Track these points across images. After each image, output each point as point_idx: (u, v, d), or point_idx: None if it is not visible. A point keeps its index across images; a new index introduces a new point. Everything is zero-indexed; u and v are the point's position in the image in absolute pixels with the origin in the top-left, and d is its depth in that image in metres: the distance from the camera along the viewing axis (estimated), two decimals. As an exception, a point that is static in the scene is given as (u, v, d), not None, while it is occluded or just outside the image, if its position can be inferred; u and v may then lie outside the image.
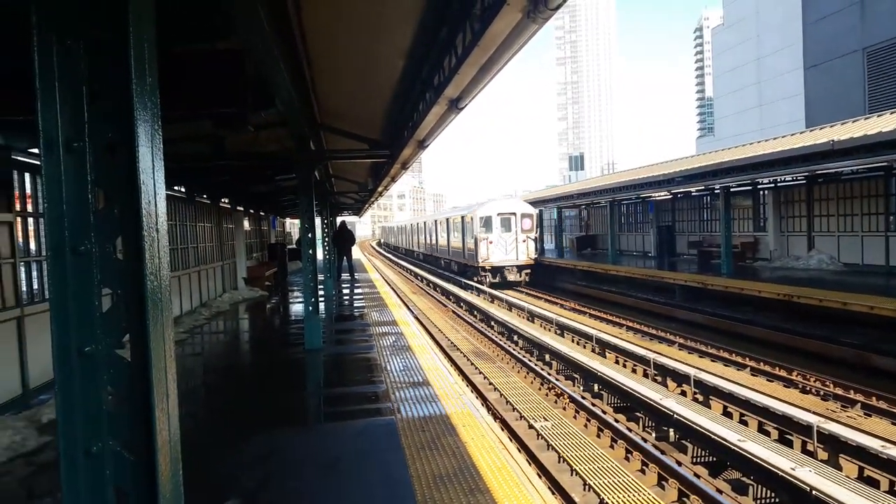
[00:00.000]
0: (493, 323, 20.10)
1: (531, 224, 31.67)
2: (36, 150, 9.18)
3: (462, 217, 34.28)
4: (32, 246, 9.28)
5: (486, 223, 31.10)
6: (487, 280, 30.65)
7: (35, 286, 9.13)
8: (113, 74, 1.75)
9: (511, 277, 30.52)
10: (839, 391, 11.12)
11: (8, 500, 5.49)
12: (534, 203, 38.85)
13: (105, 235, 1.82)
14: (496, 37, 4.47)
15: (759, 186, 24.76)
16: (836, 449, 8.29)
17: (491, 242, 30.68)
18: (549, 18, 4.04)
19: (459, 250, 35.25)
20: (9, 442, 6.69)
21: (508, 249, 30.66)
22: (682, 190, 26.34)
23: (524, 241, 30.90)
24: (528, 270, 31.06)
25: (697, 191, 26.88)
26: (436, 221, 44.31)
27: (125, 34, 1.73)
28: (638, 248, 35.54)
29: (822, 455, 8.42)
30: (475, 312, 22.50)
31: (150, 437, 1.84)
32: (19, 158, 8.77)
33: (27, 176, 8.99)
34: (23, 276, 8.77)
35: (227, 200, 22.17)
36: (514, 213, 31.38)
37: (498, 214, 31.28)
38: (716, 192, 24.41)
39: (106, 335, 1.84)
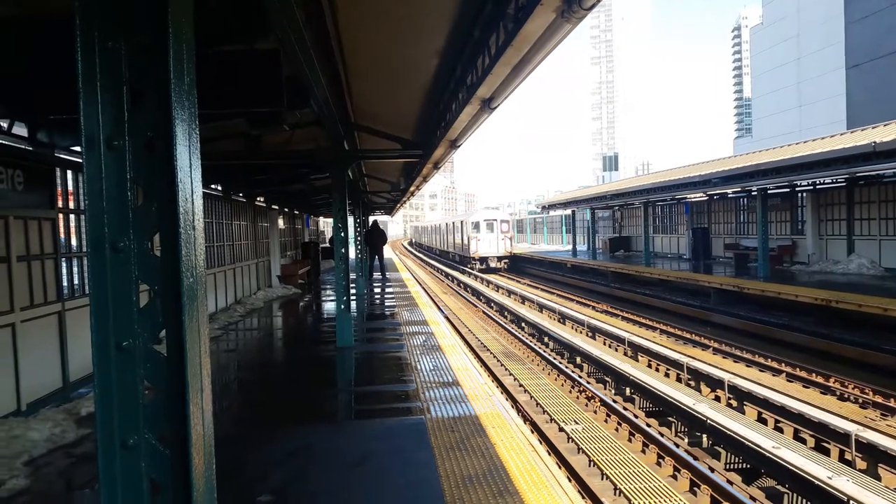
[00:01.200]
0: (523, 324, 20.04)
1: (508, 227, 43.13)
2: (78, 148, 9.40)
3: (462, 222, 46.65)
4: (74, 242, 9.51)
5: (476, 227, 42.36)
6: (477, 267, 41.66)
7: (76, 281, 9.36)
8: (153, 75, 1.78)
9: (493, 265, 41.85)
10: (879, 399, 10.84)
11: (49, 490, 5.63)
12: (566, 203, 40.04)
13: (143, 232, 1.86)
14: (530, 37, 4.44)
15: (797, 189, 24.28)
16: (875, 458, 8.09)
17: (479, 240, 42.00)
18: (584, 18, 4.00)
19: (460, 246, 47.09)
20: (49, 434, 6.86)
21: (491, 245, 41.99)
22: (718, 191, 25.94)
23: (503, 239, 42.19)
24: (506, 260, 42.38)
25: (734, 192, 26.45)
26: (447, 224, 56.33)
27: (165, 35, 1.76)
28: (672, 250, 35.11)
29: (861, 464, 8.22)
30: (506, 313, 22.48)
31: (185, 432, 1.87)
32: (62, 156, 8.99)
33: (69, 173, 9.20)
34: (64, 271, 8.99)
35: (262, 199, 22.45)
36: (496, 220, 42.81)
37: (484, 220, 42.57)
38: (753, 194, 23.98)
39: (143, 330, 1.87)
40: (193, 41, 1.89)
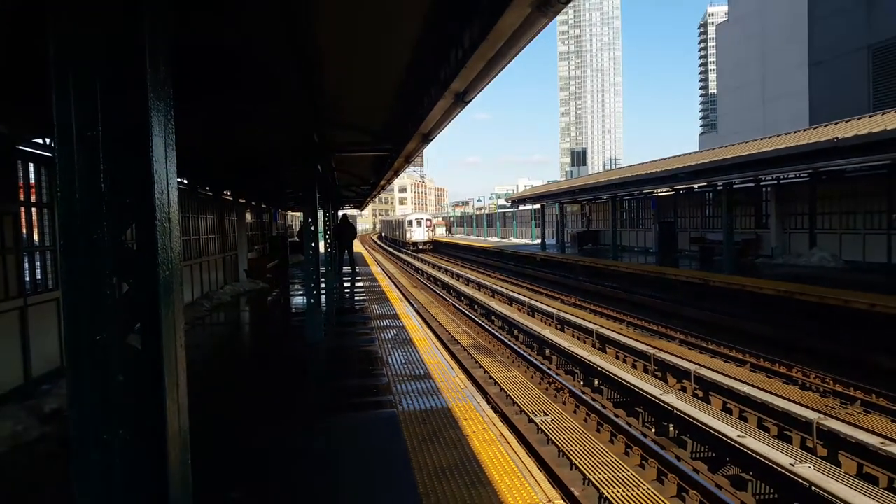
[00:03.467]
0: (493, 317, 20.14)
1: (431, 223, 66.40)
2: (40, 140, 9.18)
3: (403, 219, 69.81)
4: (36, 236, 9.29)
5: (410, 223, 64.56)
6: (411, 249, 62.14)
7: (38, 276, 9.15)
8: (128, 64, 1.75)
9: (420, 247, 62.49)
10: (839, 388, 11.13)
11: (12, 488, 5.52)
12: (536, 198, 40.57)
13: (118, 225, 1.83)
14: (505, 30, 4.44)
15: (762, 183, 24.72)
16: (835, 445, 8.32)
17: (412, 232, 63.67)
18: (559, 12, 4.03)
19: (402, 235, 68.20)
20: (10, 431, 6.73)
21: (420, 235, 63.53)
22: (684, 186, 26.31)
23: (427, 231, 64.12)
24: (430, 244, 63.66)
25: (700, 187, 26.84)
26: (397, 221, 79.38)
27: (140, 25, 1.74)
28: (640, 243, 35.54)
29: (822, 451, 8.45)
30: (476, 307, 22.58)
31: (161, 427, 1.85)
32: (23, 148, 8.77)
33: (31, 166, 8.99)
34: (27, 266, 8.78)
35: (229, 192, 22.18)
36: (423, 218, 65.55)
37: (415, 219, 64.93)
38: (718, 188, 24.37)
39: (117, 324, 1.84)
40: (169, 30, 1.87)
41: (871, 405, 10.32)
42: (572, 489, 7.55)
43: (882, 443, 7.78)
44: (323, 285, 12.99)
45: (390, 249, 70.28)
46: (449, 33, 5.72)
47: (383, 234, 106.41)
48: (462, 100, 7.02)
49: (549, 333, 15.94)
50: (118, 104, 1.77)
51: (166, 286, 1.87)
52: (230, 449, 6.24)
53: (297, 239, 31.35)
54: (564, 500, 4.96)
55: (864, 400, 10.48)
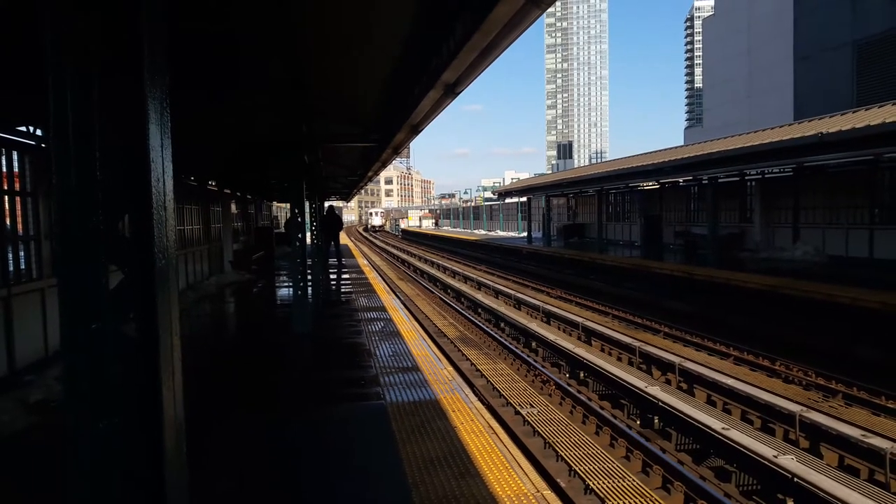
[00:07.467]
0: (479, 310, 20.18)
1: (383, 214, 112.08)
2: (23, 128, 9.07)
3: (370, 211, 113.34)
4: (20, 225, 9.18)
5: (370, 214, 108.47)
6: (370, 230, 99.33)
7: (23, 266, 9.04)
8: (125, 52, 1.74)
9: (376, 230, 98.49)
10: (821, 381, 11.25)
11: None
12: (522, 191, 40.55)
13: (113, 213, 1.81)
14: (498, 21, 4.43)
15: (746, 178, 24.89)
16: (817, 438, 8.43)
17: (372, 219, 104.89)
18: (552, 4, 4.03)
19: (367, 221, 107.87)
20: (-4, 421, 6.67)
21: (376, 222, 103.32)
22: (670, 180, 26.43)
23: (381, 219, 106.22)
24: (381, 227, 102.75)
25: (685, 181, 26.97)
26: (367, 212, 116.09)
27: (137, 11, 1.72)
28: (625, 237, 35.71)
29: (804, 443, 8.56)
30: (462, 299, 22.62)
31: (158, 414, 1.84)
32: (4, 136, 8.65)
33: (15, 154, 8.87)
34: (10, 255, 8.68)
35: (214, 183, 22.02)
36: (380, 211, 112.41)
37: (374, 211, 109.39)
38: (704, 182, 24.50)
39: (113, 313, 1.83)
40: (166, 17, 1.85)
41: (852, 398, 10.45)
42: (558, 480, 7.60)
43: (863, 435, 7.90)
44: (309, 277, 12.94)
45: (378, 243, 70.17)
46: (441, 23, 5.70)
47: (368, 225, 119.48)
48: (453, 91, 7.01)
49: (536, 326, 16.00)
50: (115, 91, 1.76)
51: (162, 275, 1.86)
52: (218, 439, 6.22)
53: (283, 230, 31.29)
54: (553, 492, 5.00)
55: (845, 393, 10.61)
